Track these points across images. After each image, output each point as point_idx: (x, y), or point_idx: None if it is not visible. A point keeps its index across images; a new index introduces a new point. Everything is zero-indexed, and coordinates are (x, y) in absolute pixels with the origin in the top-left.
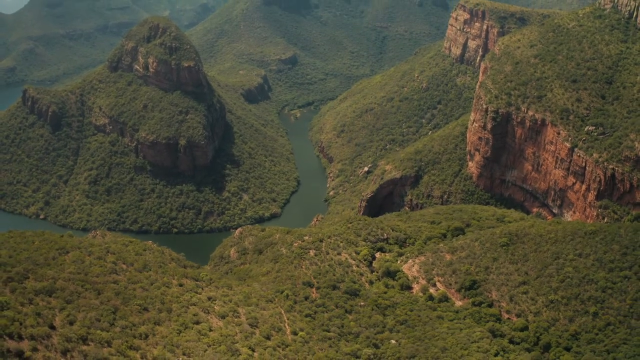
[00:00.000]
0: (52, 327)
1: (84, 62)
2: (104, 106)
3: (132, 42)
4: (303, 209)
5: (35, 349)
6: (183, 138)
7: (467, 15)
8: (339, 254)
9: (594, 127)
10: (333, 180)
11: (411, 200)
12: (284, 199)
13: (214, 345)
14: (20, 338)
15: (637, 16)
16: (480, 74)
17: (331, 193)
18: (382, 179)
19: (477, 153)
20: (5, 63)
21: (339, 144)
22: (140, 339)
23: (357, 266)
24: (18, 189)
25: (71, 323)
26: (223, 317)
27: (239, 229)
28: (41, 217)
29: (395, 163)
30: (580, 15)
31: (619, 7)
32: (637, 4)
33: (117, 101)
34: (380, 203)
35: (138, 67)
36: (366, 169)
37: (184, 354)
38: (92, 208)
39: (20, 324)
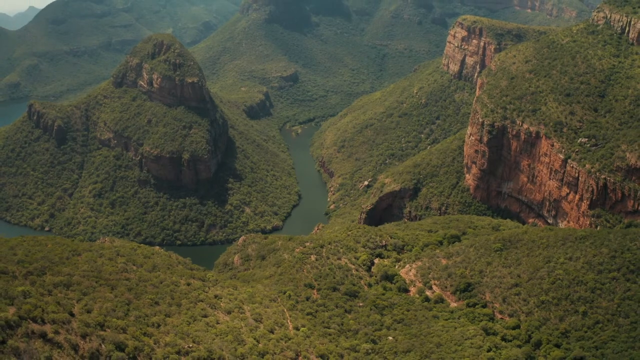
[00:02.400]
0: (72, 314)
1: (88, 79)
2: (108, 121)
3: (137, 58)
4: (304, 222)
5: (57, 332)
6: (186, 152)
7: (465, 33)
8: (339, 259)
9: (586, 139)
10: (334, 194)
11: (410, 212)
12: (285, 212)
13: (221, 335)
14: (43, 322)
15: (629, 31)
16: (477, 89)
17: (332, 206)
18: (381, 191)
19: (473, 166)
20: (9, 79)
21: (340, 158)
22: (153, 327)
23: (357, 270)
24: (23, 202)
25: (89, 312)
26: (229, 312)
27: (242, 237)
28: (46, 229)
29: (394, 176)
30: (574, 31)
31: (612, 23)
32: (629, 20)
33: (122, 116)
34: (380, 215)
35: (142, 83)
36: (366, 183)
37: (193, 342)
38: (96, 220)
39: (43, 310)
